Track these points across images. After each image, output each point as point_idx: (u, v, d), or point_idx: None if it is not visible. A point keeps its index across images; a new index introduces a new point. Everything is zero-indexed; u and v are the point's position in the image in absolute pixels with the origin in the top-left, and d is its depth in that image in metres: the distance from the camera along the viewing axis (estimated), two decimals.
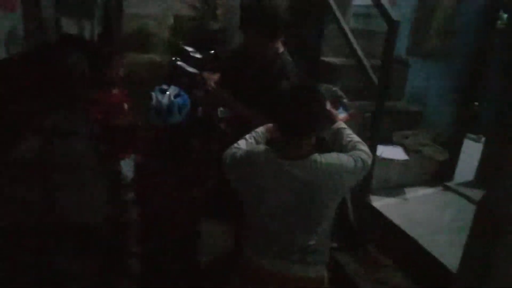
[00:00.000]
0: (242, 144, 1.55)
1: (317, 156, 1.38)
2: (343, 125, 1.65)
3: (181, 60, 5.53)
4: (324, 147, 1.53)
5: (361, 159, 1.43)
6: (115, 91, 2.31)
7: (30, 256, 2.37)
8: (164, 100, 1.72)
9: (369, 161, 1.46)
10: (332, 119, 1.64)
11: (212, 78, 2.06)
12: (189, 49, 5.60)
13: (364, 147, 1.52)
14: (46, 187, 2.74)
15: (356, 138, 1.57)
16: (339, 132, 1.60)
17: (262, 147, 1.48)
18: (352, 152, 1.47)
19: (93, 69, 2.32)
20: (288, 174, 1.36)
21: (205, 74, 2.06)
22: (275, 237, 1.45)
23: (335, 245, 2.57)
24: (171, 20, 9.88)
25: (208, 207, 2.02)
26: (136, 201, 2.20)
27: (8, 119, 3.04)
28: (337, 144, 1.58)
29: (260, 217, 1.48)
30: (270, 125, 1.63)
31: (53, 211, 2.63)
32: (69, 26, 4.04)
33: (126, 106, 2.32)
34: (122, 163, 2.33)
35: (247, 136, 1.60)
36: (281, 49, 2.06)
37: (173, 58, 6.00)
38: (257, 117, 1.82)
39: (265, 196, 1.41)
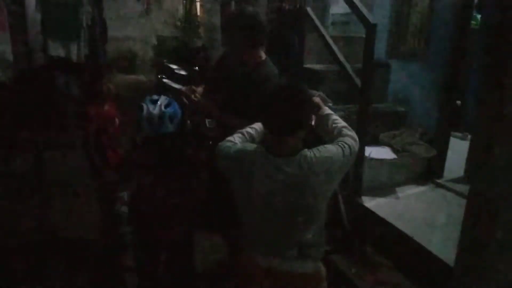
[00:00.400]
0: (237, 139, 1.55)
1: (306, 152, 1.39)
2: (329, 111, 1.64)
3: (167, 78, 5.62)
4: (311, 134, 1.53)
5: (348, 145, 1.43)
6: (106, 106, 2.36)
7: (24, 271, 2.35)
8: (155, 110, 1.73)
9: (356, 147, 1.46)
10: (319, 108, 1.62)
11: (196, 91, 2.11)
12: (174, 66, 5.69)
13: (351, 132, 1.51)
14: (39, 199, 2.76)
15: (342, 123, 1.57)
16: (325, 118, 1.59)
17: (253, 145, 1.49)
18: (338, 139, 1.47)
19: (83, 87, 2.36)
20: (279, 171, 1.37)
21: (189, 88, 2.12)
22: (271, 234, 1.46)
23: (329, 247, 2.59)
24: (154, 41, 10.06)
25: (200, 217, 2.03)
26: (130, 214, 2.20)
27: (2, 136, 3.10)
28: (323, 129, 1.59)
29: (253, 214, 1.48)
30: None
31: (45, 225, 2.64)
32: (55, 49, 4.09)
33: (117, 121, 2.37)
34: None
35: (244, 131, 1.60)
36: (264, 56, 2.12)
37: (159, 76, 6.10)
38: (243, 126, 1.80)
39: (257, 193, 1.42)
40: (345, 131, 1.51)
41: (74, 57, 4.28)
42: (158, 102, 1.74)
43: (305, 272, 1.47)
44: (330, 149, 1.41)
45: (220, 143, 1.53)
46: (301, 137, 1.43)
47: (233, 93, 2.15)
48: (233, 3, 4.83)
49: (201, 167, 1.95)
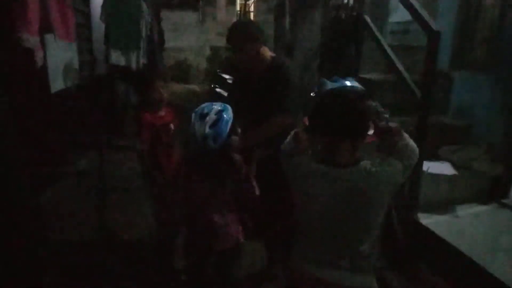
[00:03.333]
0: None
1: (367, 163, 1.35)
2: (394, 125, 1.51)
3: (220, 87, 5.74)
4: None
5: (408, 161, 1.36)
6: (161, 112, 2.43)
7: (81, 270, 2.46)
8: (200, 130, 1.72)
9: (416, 159, 1.38)
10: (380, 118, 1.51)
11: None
12: (226, 76, 5.81)
13: (412, 143, 1.41)
14: (99, 197, 2.92)
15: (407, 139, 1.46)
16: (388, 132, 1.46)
17: (307, 155, 1.47)
18: (400, 153, 1.38)
19: (141, 94, 2.45)
20: (338, 182, 1.35)
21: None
22: (325, 244, 1.43)
23: (382, 264, 2.48)
24: (208, 51, 10.35)
25: (244, 226, 2.04)
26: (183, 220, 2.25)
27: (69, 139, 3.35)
28: (384, 143, 1.46)
29: (307, 222, 1.47)
30: (298, 131, 1.56)
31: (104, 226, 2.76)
32: (117, 58, 4.31)
33: (172, 126, 2.43)
34: None
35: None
36: (270, 54, 2.29)
37: (212, 85, 6.25)
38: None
39: (314, 202, 1.41)
40: (410, 143, 1.42)
41: (133, 65, 4.47)
42: (207, 118, 1.72)
43: (355, 286, 1.41)
44: (391, 162, 1.37)
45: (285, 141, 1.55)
46: (360, 146, 1.39)
47: (253, 94, 2.28)
48: (287, 14, 4.85)
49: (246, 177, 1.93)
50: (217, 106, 1.79)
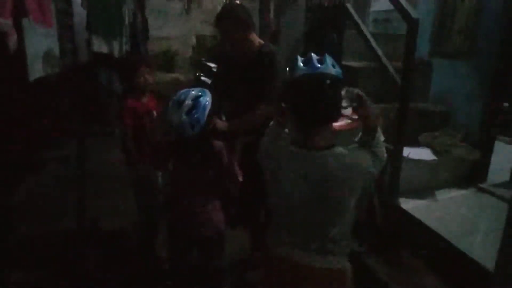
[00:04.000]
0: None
1: (340, 149, 1.38)
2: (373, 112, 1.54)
3: (205, 76, 5.69)
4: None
5: (379, 155, 1.43)
6: (144, 99, 2.41)
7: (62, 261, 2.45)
8: (176, 118, 1.69)
9: (384, 161, 1.46)
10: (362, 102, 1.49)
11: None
12: (212, 65, 5.77)
13: (383, 148, 1.48)
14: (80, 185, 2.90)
15: (382, 136, 1.52)
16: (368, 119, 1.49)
17: (282, 140, 1.49)
18: (372, 147, 1.44)
19: (125, 79, 2.43)
20: (308, 164, 1.37)
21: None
22: (297, 226, 1.45)
23: (363, 249, 2.54)
24: (193, 40, 10.19)
25: (227, 214, 2.05)
26: (165, 205, 2.25)
27: (48, 126, 3.31)
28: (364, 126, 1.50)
29: (280, 207, 1.49)
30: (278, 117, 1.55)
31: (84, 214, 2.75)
32: (99, 46, 4.25)
33: (155, 113, 2.42)
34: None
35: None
36: (259, 40, 2.29)
37: (197, 74, 6.18)
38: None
39: (284, 186, 1.42)
40: (381, 143, 1.48)
41: (116, 53, 4.41)
42: (183, 106, 1.68)
43: (325, 268, 1.43)
44: (363, 151, 1.42)
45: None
46: (332, 132, 1.43)
47: (241, 80, 2.27)
48: (272, 2, 4.83)
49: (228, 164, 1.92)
50: (194, 92, 1.74)
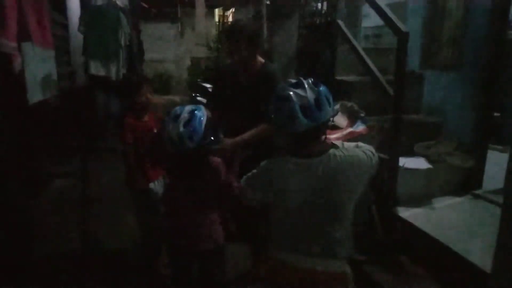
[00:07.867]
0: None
1: (335, 151, 1.46)
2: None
3: (201, 96, 5.78)
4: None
5: (370, 152, 1.52)
6: (146, 117, 2.46)
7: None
8: (174, 130, 1.73)
9: (375, 157, 1.54)
10: None
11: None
12: (207, 85, 5.87)
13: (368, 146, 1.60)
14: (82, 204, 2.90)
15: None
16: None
17: (276, 158, 1.58)
18: (360, 148, 1.56)
19: (126, 99, 2.47)
20: (308, 171, 1.44)
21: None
22: (298, 231, 1.49)
23: (364, 257, 2.55)
24: (188, 62, 10.37)
25: (226, 228, 2.06)
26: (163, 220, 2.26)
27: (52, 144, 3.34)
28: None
29: (281, 214, 1.54)
30: None
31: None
32: (96, 69, 4.32)
33: (155, 131, 2.45)
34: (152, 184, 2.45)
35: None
36: (262, 59, 2.34)
37: (193, 94, 6.28)
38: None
39: (286, 196, 1.48)
40: (363, 145, 1.59)
41: (113, 76, 4.48)
42: (179, 119, 1.73)
43: (327, 271, 1.47)
44: (356, 151, 1.51)
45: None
46: (324, 137, 1.51)
47: (244, 100, 2.31)
48: (264, 24, 4.95)
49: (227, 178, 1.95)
50: (189, 107, 1.78)
